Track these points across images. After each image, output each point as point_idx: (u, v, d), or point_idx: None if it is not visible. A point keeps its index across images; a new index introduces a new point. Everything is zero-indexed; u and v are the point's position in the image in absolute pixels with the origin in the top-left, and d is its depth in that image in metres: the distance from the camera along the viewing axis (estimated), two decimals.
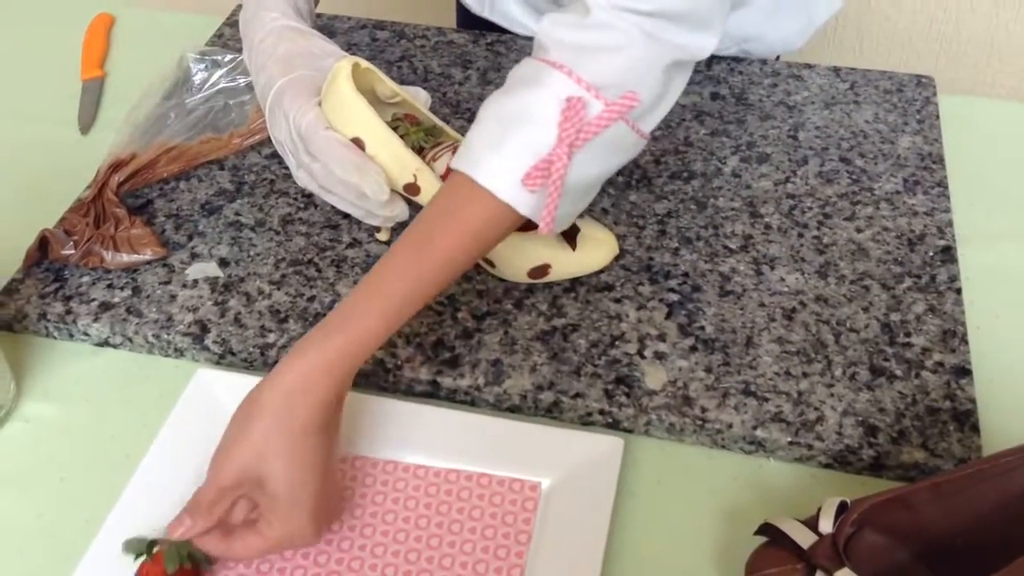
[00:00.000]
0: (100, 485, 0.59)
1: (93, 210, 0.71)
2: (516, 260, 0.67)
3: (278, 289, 0.69)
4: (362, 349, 0.55)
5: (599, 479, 0.58)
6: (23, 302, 0.68)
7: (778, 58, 0.93)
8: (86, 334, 0.67)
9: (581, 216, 0.69)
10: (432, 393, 0.64)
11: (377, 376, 0.64)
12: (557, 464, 0.59)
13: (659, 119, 0.62)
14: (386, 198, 0.64)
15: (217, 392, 0.62)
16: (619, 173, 0.77)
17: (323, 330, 0.55)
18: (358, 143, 0.64)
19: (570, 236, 0.67)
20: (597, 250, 0.69)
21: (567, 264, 0.68)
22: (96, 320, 0.67)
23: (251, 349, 0.65)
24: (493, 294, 0.69)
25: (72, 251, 0.69)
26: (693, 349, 0.65)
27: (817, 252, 0.72)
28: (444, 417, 0.61)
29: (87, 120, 0.86)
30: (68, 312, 0.67)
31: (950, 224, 0.74)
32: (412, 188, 0.65)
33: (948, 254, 0.71)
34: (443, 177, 0.66)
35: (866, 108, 0.84)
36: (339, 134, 0.64)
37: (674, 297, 0.69)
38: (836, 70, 0.89)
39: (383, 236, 0.72)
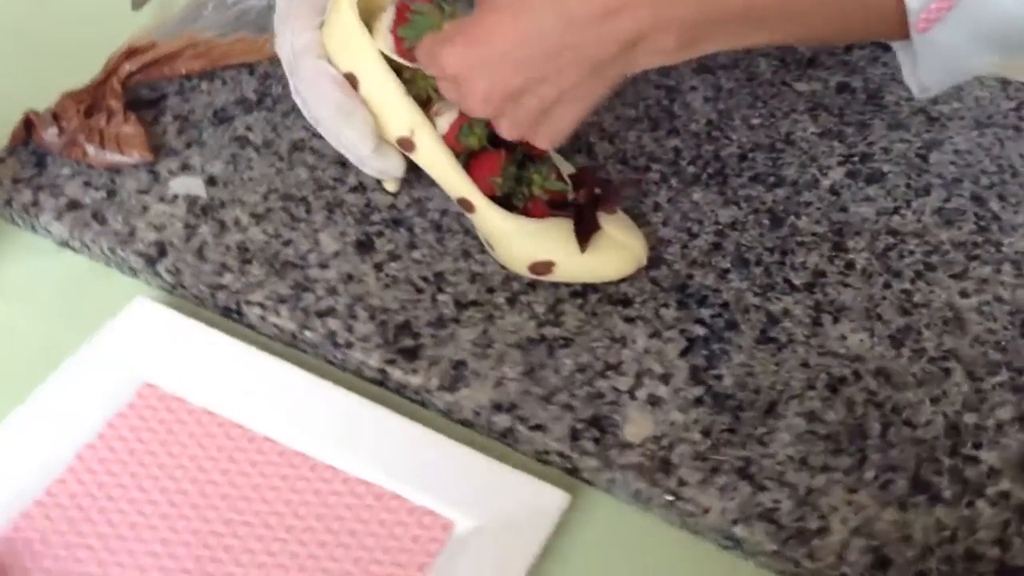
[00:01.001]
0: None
1: (91, 98, 0.65)
2: (516, 248, 0.56)
3: (256, 224, 0.61)
4: None
5: (525, 535, 0.48)
6: None
7: None
8: (47, 230, 0.62)
9: (614, 211, 0.57)
10: (381, 383, 0.55)
11: (324, 349, 0.55)
12: (481, 505, 0.49)
13: None
14: (368, 151, 0.54)
15: (146, 331, 0.55)
16: (691, 162, 0.64)
17: None
18: (351, 80, 0.54)
19: (583, 232, 0.55)
20: (615, 257, 0.56)
21: (574, 266, 0.56)
22: (59, 218, 0.61)
23: (201, 287, 0.58)
24: (488, 281, 0.58)
25: (55, 139, 0.63)
26: (698, 402, 0.53)
27: (900, 311, 0.57)
28: (376, 417, 0.52)
29: None
30: (35, 203, 0.62)
31: None
32: (406, 143, 0.55)
33: None
34: (446, 139, 0.55)
35: None
36: (331, 66, 0.54)
37: (700, 331, 0.56)
38: (1004, 84, 0.71)
39: (390, 187, 0.62)
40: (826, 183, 0.64)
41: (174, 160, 0.64)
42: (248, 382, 0.53)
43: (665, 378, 0.54)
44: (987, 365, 0.54)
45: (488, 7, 0.49)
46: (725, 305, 0.57)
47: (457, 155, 0.55)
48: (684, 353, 0.55)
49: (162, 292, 0.60)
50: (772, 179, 0.64)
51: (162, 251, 0.59)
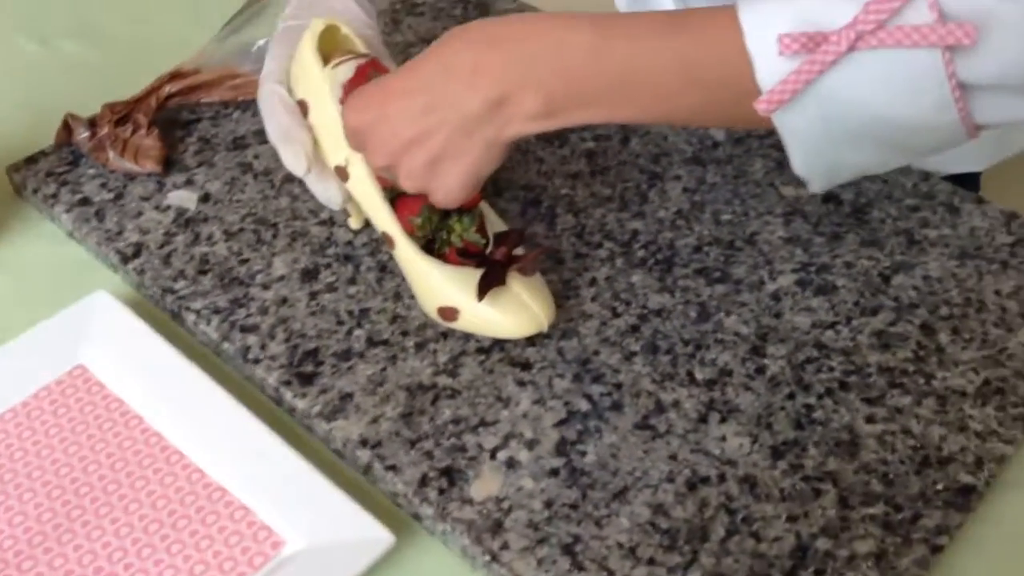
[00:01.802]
0: None
1: (127, 110, 0.74)
2: (427, 290, 0.59)
3: (225, 241, 0.67)
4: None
5: (342, 566, 0.50)
6: (32, 173, 0.72)
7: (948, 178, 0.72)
8: (59, 221, 0.70)
9: (530, 272, 0.59)
10: (278, 401, 0.59)
11: (237, 363, 0.60)
12: (314, 530, 0.51)
13: (994, 112, 0.49)
14: (302, 173, 0.59)
15: (94, 320, 0.61)
16: (644, 246, 0.65)
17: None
18: (303, 106, 0.60)
19: (484, 283, 0.57)
20: (517, 317, 0.58)
21: (474, 315, 0.58)
22: (68, 211, 0.69)
23: (156, 288, 0.64)
24: (407, 324, 0.61)
25: (85, 141, 0.72)
26: (553, 473, 0.53)
27: (793, 424, 0.55)
28: (254, 433, 0.55)
29: (236, 26, 0.88)
30: (54, 196, 0.70)
31: (1001, 460, 0.53)
32: (342, 172, 0.60)
33: (964, 500, 0.52)
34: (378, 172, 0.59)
35: (1012, 278, 0.63)
36: (285, 91, 0.60)
37: (584, 406, 0.56)
38: (1010, 216, 0.67)
39: (353, 223, 0.67)
40: (771, 287, 0.63)
41: (182, 175, 0.72)
42: (161, 381, 0.58)
43: (531, 444, 0.55)
44: (864, 495, 0.52)
45: (396, 70, 0.54)
46: (618, 386, 0.57)
47: (386, 191, 0.59)
48: (559, 424, 0.56)
49: (131, 290, 0.66)
50: (717, 275, 0.64)
51: (137, 252, 0.66)
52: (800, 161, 0.53)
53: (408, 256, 0.59)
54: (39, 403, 0.58)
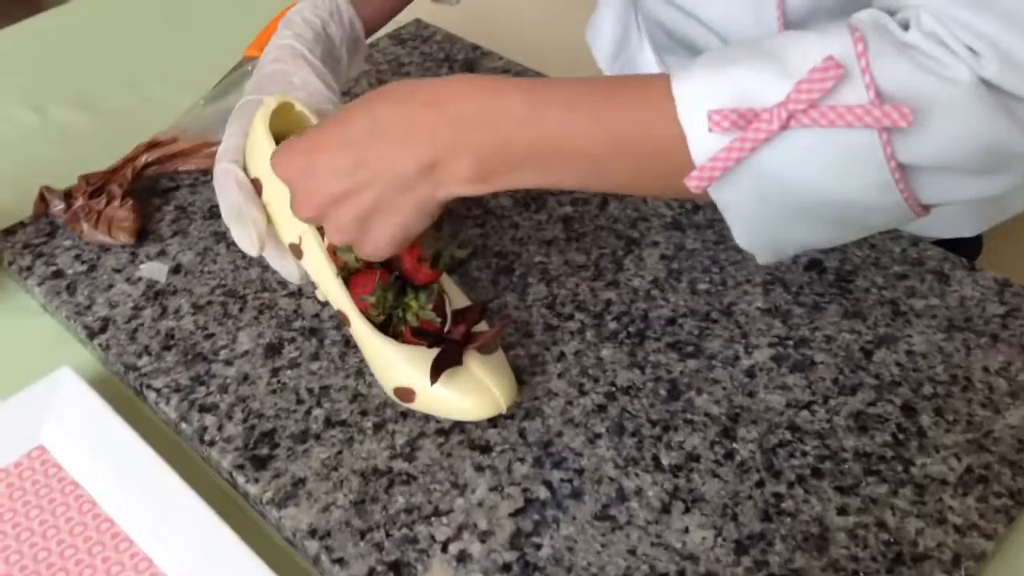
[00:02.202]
0: None
1: (103, 180, 0.73)
2: (383, 369, 0.58)
3: (193, 314, 0.66)
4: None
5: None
6: (9, 245, 0.72)
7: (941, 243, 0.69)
8: (32, 293, 0.70)
9: (490, 351, 0.57)
10: (234, 485, 0.58)
11: (194, 444, 0.59)
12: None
13: (940, 192, 0.48)
14: (254, 254, 0.58)
15: (57, 399, 0.61)
16: (616, 318, 0.63)
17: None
18: (256, 185, 0.59)
19: (437, 364, 0.55)
20: (474, 398, 0.56)
21: (430, 396, 0.56)
22: (40, 284, 0.69)
23: (120, 364, 0.63)
24: (367, 403, 0.59)
25: (60, 213, 0.72)
26: (505, 568, 0.51)
27: (761, 516, 0.53)
28: (205, 521, 0.54)
29: (218, 93, 0.88)
30: (29, 268, 0.70)
31: (980, 558, 0.50)
32: (296, 250, 0.58)
33: None
34: (328, 250, 0.58)
35: (1003, 352, 0.60)
36: (240, 169, 0.59)
37: (542, 493, 0.54)
38: (1003, 284, 0.64)
39: (320, 295, 0.65)
40: (745, 363, 0.61)
41: (156, 246, 0.71)
42: (117, 465, 0.57)
43: (484, 536, 0.53)
44: None
45: (324, 122, 0.53)
46: (580, 471, 0.55)
47: (340, 270, 0.58)
48: (516, 513, 0.54)
49: (99, 365, 0.66)
50: (690, 348, 0.62)
51: (104, 327, 0.66)
52: (742, 235, 0.51)
53: (363, 335, 0.58)
54: None
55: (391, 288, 0.57)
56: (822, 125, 0.44)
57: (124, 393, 0.63)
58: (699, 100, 0.46)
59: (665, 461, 0.56)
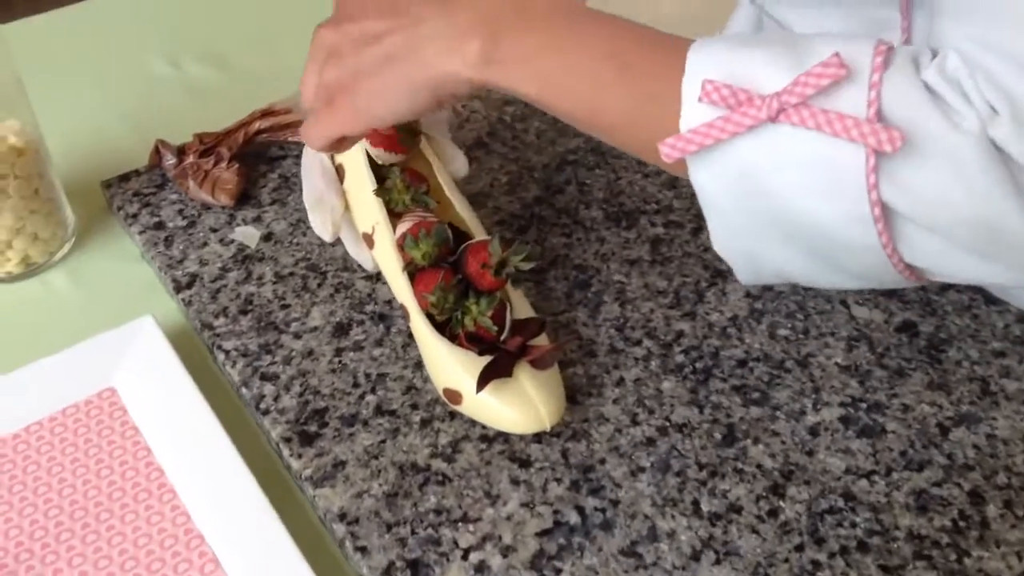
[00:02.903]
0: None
1: (216, 141, 0.76)
2: (435, 368, 0.58)
3: (274, 283, 0.68)
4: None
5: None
6: (121, 191, 0.76)
7: None
8: (134, 241, 0.73)
9: (544, 367, 0.56)
10: (280, 456, 0.59)
11: (250, 410, 0.61)
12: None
13: (924, 256, 0.45)
14: (328, 239, 0.59)
15: (135, 345, 0.63)
16: (685, 351, 0.61)
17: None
18: (340, 171, 0.60)
19: (485, 374, 0.55)
20: (517, 409, 0.56)
21: (476, 403, 0.56)
22: (141, 233, 0.72)
23: (198, 321, 0.65)
24: (419, 398, 0.60)
25: (171, 168, 0.75)
26: None
27: None
28: (246, 491, 0.55)
29: None
30: (135, 216, 0.74)
31: None
32: (368, 239, 0.59)
33: None
34: (397, 244, 0.58)
35: None
36: (327, 156, 0.60)
37: (573, 518, 0.53)
38: None
39: None
40: (811, 419, 0.58)
41: (253, 211, 0.73)
42: (177, 418, 0.59)
43: (507, 551, 0.52)
44: None
45: None
46: (615, 503, 0.54)
47: (407, 265, 0.58)
48: (542, 533, 0.53)
49: (182, 319, 0.68)
50: (756, 395, 0.59)
51: (190, 283, 0.68)
52: (718, 235, 0.49)
53: (420, 331, 0.58)
54: (64, 420, 0.60)
55: (452, 289, 0.57)
56: (809, 127, 0.41)
57: (199, 349, 0.66)
58: (702, 67, 0.44)
59: (705, 507, 0.54)
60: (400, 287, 0.58)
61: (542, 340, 0.59)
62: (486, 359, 0.56)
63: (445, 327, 0.58)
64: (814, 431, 0.57)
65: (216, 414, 0.59)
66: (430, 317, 0.58)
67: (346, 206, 0.59)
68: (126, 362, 0.63)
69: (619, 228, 0.71)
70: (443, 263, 0.59)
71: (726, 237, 0.49)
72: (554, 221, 0.72)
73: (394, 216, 0.61)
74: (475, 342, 0.57)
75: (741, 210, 0.46)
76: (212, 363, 0.65)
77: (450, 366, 0.57)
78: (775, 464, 0.56)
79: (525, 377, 0.56)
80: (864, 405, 0.58)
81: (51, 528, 0.55)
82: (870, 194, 0.42)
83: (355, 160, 0.58)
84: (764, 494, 0.54)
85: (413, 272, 0.58)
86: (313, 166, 0.60)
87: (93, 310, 0.69)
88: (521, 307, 0.60)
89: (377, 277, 0.67)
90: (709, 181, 0.46)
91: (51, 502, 0.56)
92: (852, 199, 0.43)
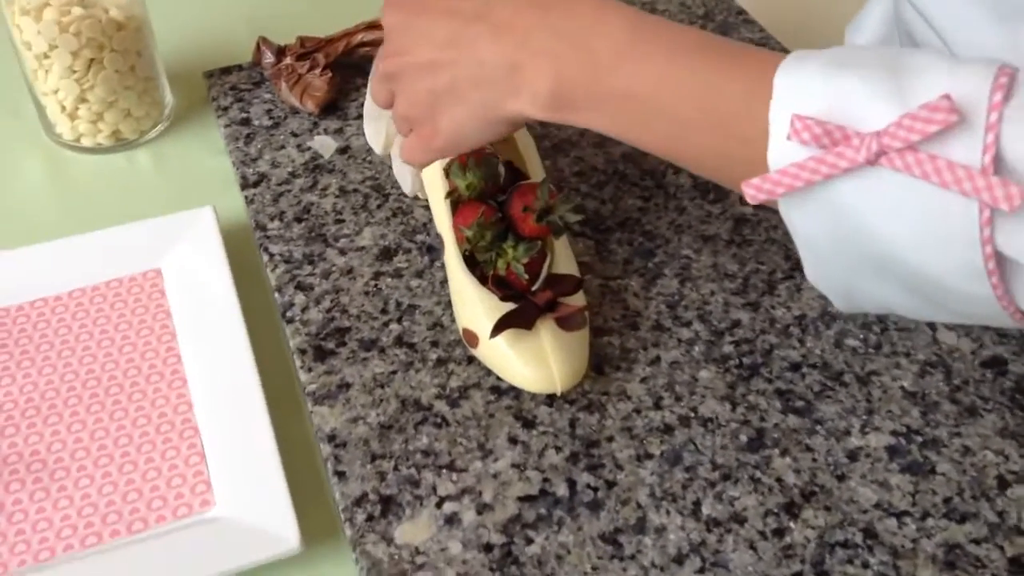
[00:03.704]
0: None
1: (316, 46, 0.75)
2: (459, 305, 0.55)
3: (336, 196, 0.66)
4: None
5: (241, 553, 0.48)
6: (219, 83, 0.76)
7: None
8: (220, 132, 0.73)
9: (570, 328, 0.53)
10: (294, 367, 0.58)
11: (278, 316, 0.60)
12: (241, 509, 0.50)
13: None
14: (379, 152, 0.57)
15: (190, 233, 0.63)
16: (738, 343, 0.56)
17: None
18: None
19: (502, 321, 0.52)
20: (530, 366, 0.52)
21: (490, 349, 0.53)
22: (227, 127, 0.72)
23: (254, 220, 0.65)
24: (443, 335, 0.57)
25: (268, 67, 0.75)
26: (486, 548, 0.48)
27: None
28: (250, 399, 0.54)
29: None
30: (225, 109, 0.74)
31: None
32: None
33: None
34: (446, 172, 0.55)
35: None
36: None
37: (561, 490, 0.50)
38: None
39: None
40: (854, 442, 0.52)
41: (337, 122, 0.72)
42: (208, 312, 0.59)
43: (483, 508, 0.49)
44: None
45: None
46: (611, 484, 0.50)
47: (451, 192, 0.55)
48: (525, 499, 0.50)
49: (243, 215, 0.68)
50: (799, 404, 0.54)
51: (258, 182, 0.68)
52: (811, 268, 0.43)
53: (450, 264, 0.55)
54: (106, 292, 0.61)
55: (491, 228, 0.54)
56: (914, 175, 0.35)
57: (250, 248, 0.65)
58: (793, 98, 0.39)
59: (706, 510, 0.49)
60: (440, 215, 0.56)
61: (578, 300, 0.55)
62: (509, 306, 0.53)
63: (477, 266, 0.55)
64: (853, 455, 0.51)
65: (247, 316, 0.59)
66: (465, 253, 0.55)
67: None
68: (177, 248, 0.63)
69: (704, 200, 0.66)
70: (490, 199, 0.56)
71: (820, 272, 0.44)
72: (636, 181, 0.67)
73: None
74: (502, 287, 0.53)
75: (838, 249, 0.41)
76: (260, 264, 0.64)
77: (472, 305, 0.54)
78: (798, 481, 0.50)
79: (547, 334, 0.52)
80: (919, 439, 0.52)
81: (62, 391, 0.56)
82: (984, 247, 0.37)
83: None
84: (775, 510, 0.49)
85: (456, 202, 0.56)
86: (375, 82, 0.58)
87: (166, 193, 0.70)
88: (564, 262, 0.56)
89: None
90: (801, 220, 0.42)
91: (70, 367, 0.57)
92: (963, 250, 0.37)
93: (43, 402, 0.56)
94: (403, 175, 0.58)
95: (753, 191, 0.40)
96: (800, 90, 0.39)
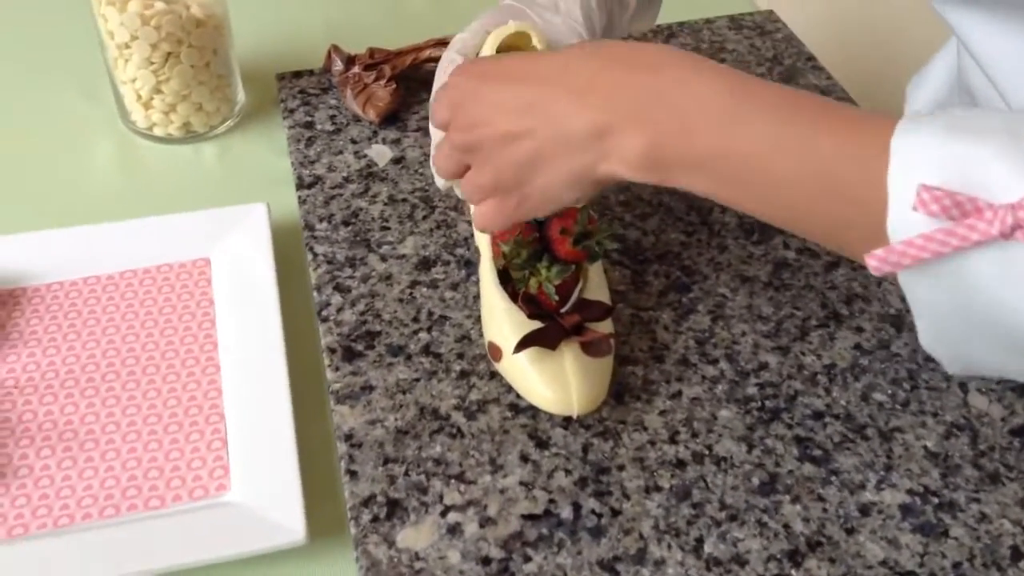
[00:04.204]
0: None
1: (385, 58, 0.77)
2: (487, 319, 0.56)
3: (384, 204, 0.68)
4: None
5: (248, 541, 0.49)
6: (289, 85, 0.79)
7: None
8: (283, 132, 0.76)
9: (595, 354, 0.53)
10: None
11: (314, 316, 0.61)
12: (254, 497, 0.51)
13: None
14: (436, 140, 0.58)
15: (242, 227, 0.65)
16: (762, 386, 0.56)
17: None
18: None
19: (527, 338, 0.52)
20: (548, 386, 0.53)
21: (511, 365, 0.54)
22: (291, 128, 0.75)
23: (304, 220, 0.67)
24: (470, 349, 0.58)
25: (337, 74, 0.77)
26: (484, 562, 0.48)
27: None
28: (277, 396, 0.56)
29: None
30: (291, 112, 0.76)
31: None
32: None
33: None
34: None
35: None
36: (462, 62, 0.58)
37: (566, 513, 0.50)
38: None
39: None
40: (868, 497, 0.51)
41: (396, 133, 0.74)
42: (248, 306, 0.61)
43: (486, 522, 0.50)
44: None
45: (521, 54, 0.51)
46: (616, 513, 0.50)
47: None
48: (528, 517, 0.50)
49: (295, 215, 0.70)
50: (817, 453, 0.53)
51: (312, 184, 0.70)
52: (928, 336, 0.42)
53: (484, 277, 0.56)
54: (155, 275, 0.64)
55: (528, 246, 0.55)
56: None
57: (297, 246, 0.67)
58: (916, 165, 0.38)
59: (707, 549, 0.49)
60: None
61: (606, 327, 0.56)
62: (536, 324, 0.53)
63: (510, 282, 0.56)
64: (865, 510, 0.50)
65: (287, 312, 0.61)
66: (500, 268, 0.56)
67: None
68: (227, 239, 0.65)
69: (747, 240, 0.65)
70: (532, 220, 0.57)
71: (938, 339, 0.43)
72: (681, 215, 0.67)
73: None
74: (531, 304, 0.54)
75: (963, 318, 0.41)
76: (305, 263, 0.66)
77: (499, 319, 0.54)
78: (805, 530, 0.50)
79: (570, 357, 0.53)
80: (936, 500, 0.51)
81: (102, 366, 0.58)
82: None
83: None
84: (779, 557, 0.48)
85: None
86: (447, 70, 0.58)
87: (226, 187, 0.72)
88: (597, 288, 0.57)
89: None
90: (925, 290, 0.41)
91: (112, 344, 0.60)
92: None
93: (83, 375, 0.58)
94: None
95: (877, 263, 0.39)
96: (920, 156, 0.38)
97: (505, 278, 0.57)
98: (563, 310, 0.55)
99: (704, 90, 0.44)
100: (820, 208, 0.42)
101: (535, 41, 0.58)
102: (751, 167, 0.43)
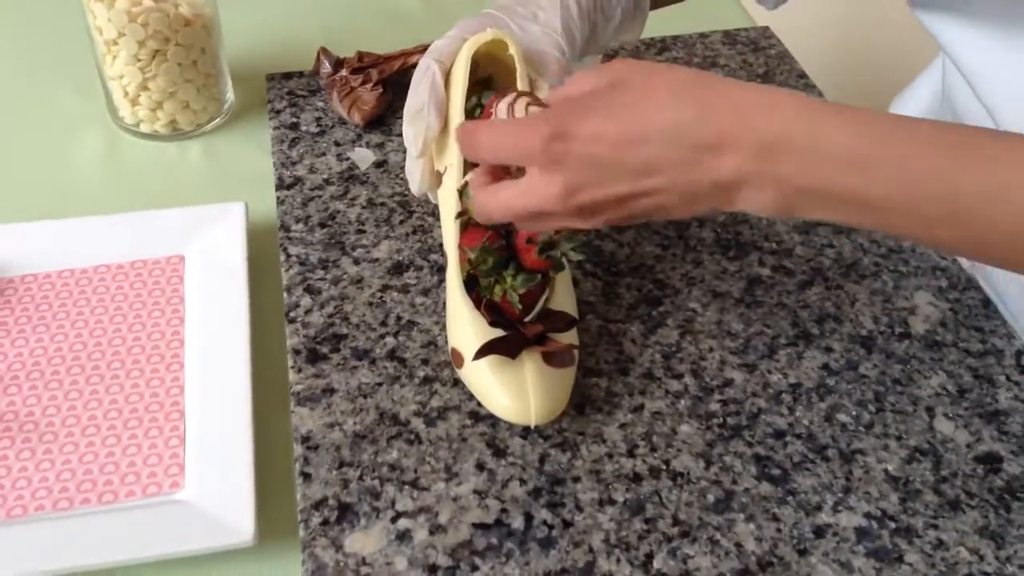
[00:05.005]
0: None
1: (373, 62, 0.77)
2: (451, 325, 0.56)
3: (362, 208, 0.68)
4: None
5: (195, 540, 0.49)
6: (278, 86, 0.79)
7: None
8: (268, 133, 0.76)
9: (557, 365, 0.53)
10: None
11: (283, 317, 0.61)
12: (206, 496, 0.51)
13: None
14: (415, 155, 0.57)
15: (216, 224, 0.66)
16: (726, 403, 0.55)
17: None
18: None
19: (488, 346, 0.52)
20: (507, 395, 0.52)
21: (471, 372, 0.54)
22: (276, 129, 0.75)
23: (280, 220, 0.67)
24: (435, 355, 0.58)
25: (324, 76, 0.77)
26: (431, 569, 0.48)
27: None
28: (237, 393, 0.56)
29: None
30: (277, 112, 0.76)
31: None
32: (438, 177, 0.58)
33: None
34: (459, 191, 0.56)
35: None
36: (440, 73, 0.58)
37: (517, 523, 0.50)
38: None
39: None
40: (824, 519, 0.50)
41: (380, 137, 0.74)
42: (217, 305, 0.61)
43: (436, 529, 0.49)
44: None
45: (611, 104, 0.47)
46: (567, 525, 0.50)
47: (461, 214, 0.56)
48: (479, 526, 0.50)
49: (273, 214, 0.70)
50: (775, 472, 0.52)
51: (292, 184, 0.70)
52: None
53: (450, 282, 0.56)
54: (128, 271, 0.64)
55: (494, 254, 0.54)
56: None
57: (273, 246, 0.67)
58: None
59: (656, 564, 0.48)
60: (448, 233, 0.57)
61: (570, 338, 0.55)
62: (499, 332, 0.53)
63: (476, 288, 0.56)
64: (820, 531, 0.50)
65: (258, 313, 0.61)
66: (468, 274, 0.56)
67: (442, 130, 0.58)
68: (201, 237, 0.66)
69: (723, 256, 0.65)
70: (498, 226, 0.56)
71: None
72: (658, 229, 0.67)
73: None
74: (494, 313, 0.54)
75: None
76: (279, 264, 0.66)
77: (463, 325, 0.54)
78: (757, 549, 0.49)
79: (531, 367, 0.53)
80: (892, 525, 0.50)
81: (67, 359, 0.59)
82: None
83: (456, 96, 0.57)
84: (728, 575, 0.48)
85: (465, 224, 0.56)
86: (424, 79, 0.58)
87: (209, 185, 0.73)
88: (563, 299, 0.56)
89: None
90: None
91: (80, 338, 0.60)
92: None
93: (48, 367, 0.58)
94: (413, 172, 0.59)
95: None
96: None
97: (473, 284, 0.56)
98: (527, 319, 0.54)
99: (823, 137, 0.43)
100: (971, 236, 0.42)
101: (512, 50, 0.58)
102: (887, 208, 0.43)
